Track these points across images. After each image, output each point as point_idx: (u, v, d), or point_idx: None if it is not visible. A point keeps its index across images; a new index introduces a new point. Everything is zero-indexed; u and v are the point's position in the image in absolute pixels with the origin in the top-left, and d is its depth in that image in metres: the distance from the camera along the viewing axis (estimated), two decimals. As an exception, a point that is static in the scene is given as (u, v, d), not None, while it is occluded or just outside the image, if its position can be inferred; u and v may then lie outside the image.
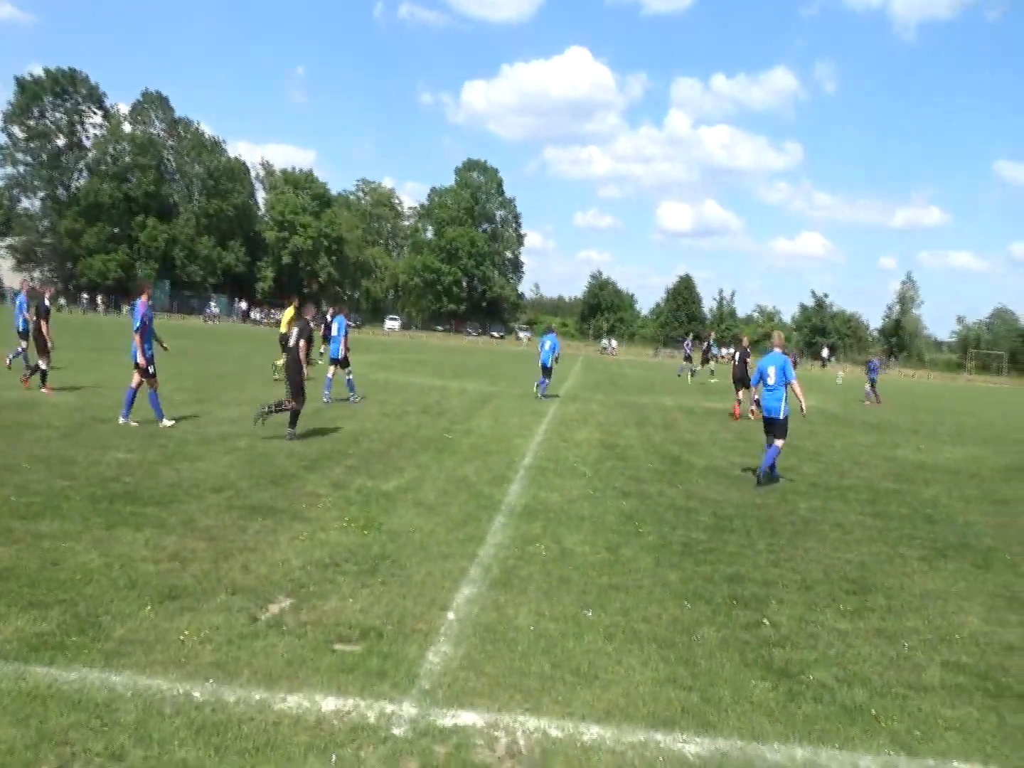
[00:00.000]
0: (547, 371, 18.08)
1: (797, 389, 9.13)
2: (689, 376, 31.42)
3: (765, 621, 4.74)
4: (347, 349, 14.47)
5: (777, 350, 9.45)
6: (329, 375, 14.41)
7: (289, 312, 17.12)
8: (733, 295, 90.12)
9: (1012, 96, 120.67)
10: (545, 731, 3.31)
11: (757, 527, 7.08)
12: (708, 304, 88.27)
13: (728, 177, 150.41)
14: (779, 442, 9.25)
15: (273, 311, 69.86)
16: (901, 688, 4.00)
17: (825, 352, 64.95)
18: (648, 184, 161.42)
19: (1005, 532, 7.65)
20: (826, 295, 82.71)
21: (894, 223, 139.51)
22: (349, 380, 14.45)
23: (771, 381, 9.18)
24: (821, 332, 77.12)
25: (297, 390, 9.81)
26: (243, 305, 69.81)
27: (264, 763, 2.92)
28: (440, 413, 13.56)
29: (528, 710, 3.48)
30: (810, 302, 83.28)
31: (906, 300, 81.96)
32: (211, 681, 3.49)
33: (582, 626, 4.45)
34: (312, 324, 10.20)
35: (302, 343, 9.81)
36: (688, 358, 33.66)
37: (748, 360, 17.16)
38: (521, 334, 79.24)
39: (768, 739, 3.39)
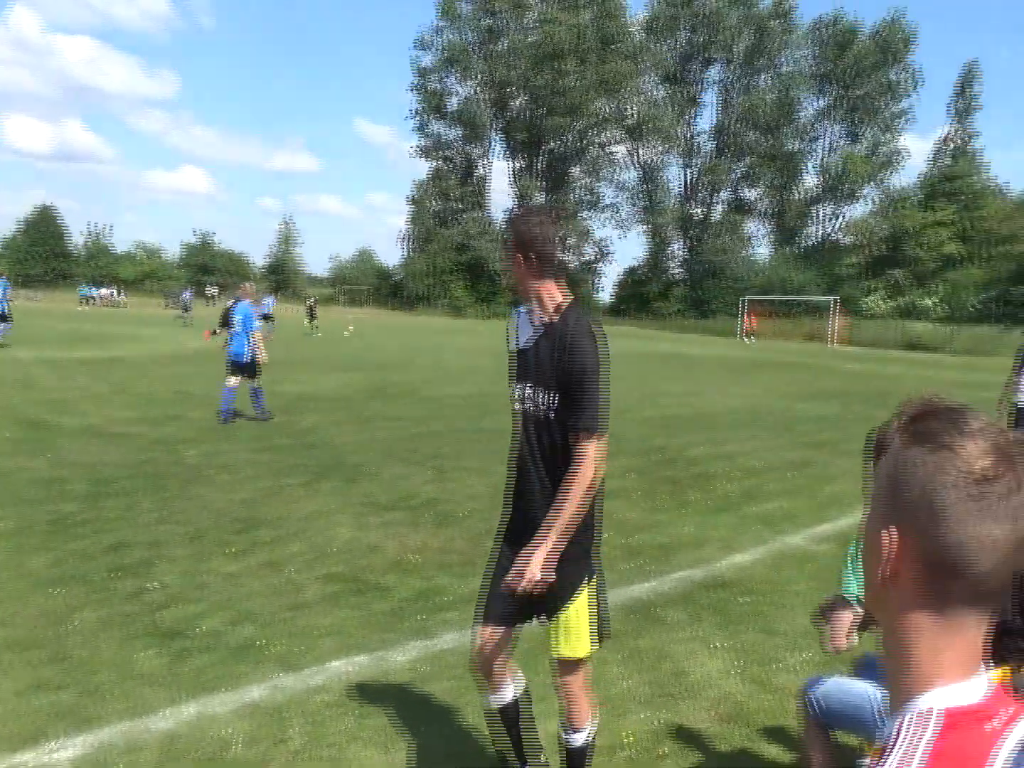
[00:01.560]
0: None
1: (257, 338, 10.28)
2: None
3: (152, 585, 4.55)
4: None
5: (245, 299, 10.54)
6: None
7: None
8: (109, 229, 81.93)
9: (370, 62, 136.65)
10: None
11: (143, 485, 6.71)
12: (77, 239, 78.56)
13: (95, 97, 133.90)
14: (255, 382, 10.29)
15: None
16: (286, 612, 4.32)
17: (212, 290, 64.80)
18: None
19: (369, 447, 8.92)
20: (213, 233, 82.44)
21: (273, 165, 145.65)
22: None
23: (237, 328, 10.17)
24: (207, 271, 76.61)
25: None
26: None
27: None
28: None
29: None
30: (195, 240, 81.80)
31: (287, 240, 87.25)
32: None
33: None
34: None
35: None
36: (185, 308, 34.09)
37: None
38: None
39: (157, 707, 3.27)
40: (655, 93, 63.20)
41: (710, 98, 75.60)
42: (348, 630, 4.15)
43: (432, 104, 64.97)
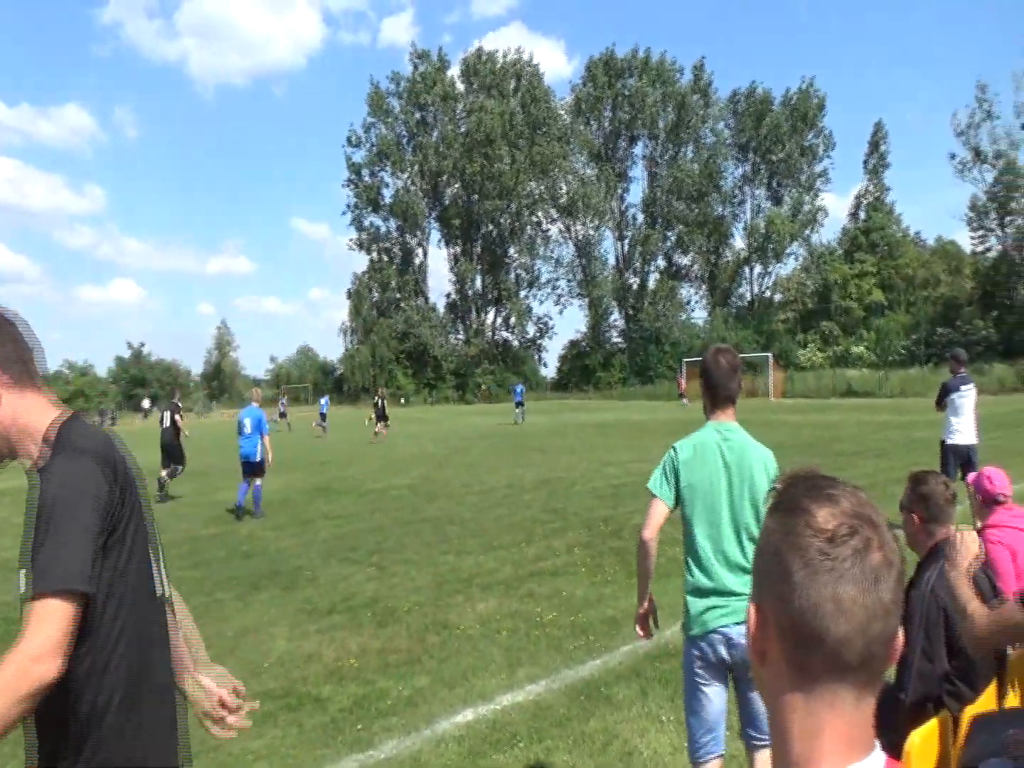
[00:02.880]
0: None
1: (267, 441, 11.21)
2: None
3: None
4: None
5: (254, 404, 11.53)
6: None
7: None
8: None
9: (304, 162, 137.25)
10: None
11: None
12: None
13: (19, 217, 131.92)
14: (258, 481, 11.25)
15: None
16: (214, 739, 4.03)
17: (147, 403, 63.22)
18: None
19: (308, 549, 8.64)
20: (143, 344, 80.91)
21: (208, 270, 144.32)
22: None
23: (247, 431, 11.17)
24: (140, 383, 75.02)
25: None
26: None
27: None
28: None
29: None
30: (127, 353, 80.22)
31: (223, 344, 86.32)
32: None
33: None
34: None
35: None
36: (282, 414, 37.51)
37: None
38: None
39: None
40: (585, 171, 65.81)
41: (638, 172, 78.99)
42: (281, 751, 3.92)
43: (367, 198, 66.23)
